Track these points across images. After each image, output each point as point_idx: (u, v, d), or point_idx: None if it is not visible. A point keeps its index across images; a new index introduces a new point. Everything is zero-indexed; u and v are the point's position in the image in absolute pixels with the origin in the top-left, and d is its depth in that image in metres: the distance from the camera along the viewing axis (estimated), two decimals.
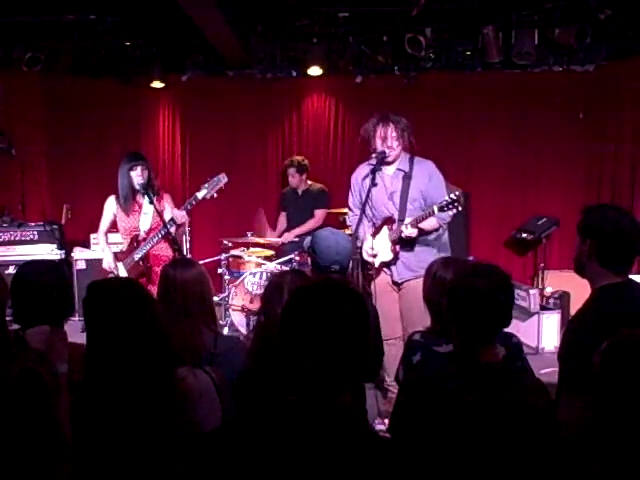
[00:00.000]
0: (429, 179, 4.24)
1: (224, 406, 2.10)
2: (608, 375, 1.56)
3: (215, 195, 4.75)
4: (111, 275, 5.03)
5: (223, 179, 4.73)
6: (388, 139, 4.15)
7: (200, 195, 4.72)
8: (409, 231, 4.04)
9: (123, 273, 5.02)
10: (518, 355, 2.70)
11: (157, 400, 2.00)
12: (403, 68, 7.17)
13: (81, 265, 6.60)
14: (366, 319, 1.51)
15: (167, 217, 4.79)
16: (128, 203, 4.87)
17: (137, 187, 4.76)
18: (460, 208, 3.93)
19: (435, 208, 3.94)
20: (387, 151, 4.17)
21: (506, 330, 2.22)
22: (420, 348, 2.74)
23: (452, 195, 3.92)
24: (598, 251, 2.30)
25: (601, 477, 1.55)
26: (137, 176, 4.78)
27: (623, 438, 1.53)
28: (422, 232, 4.14)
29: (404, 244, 4.23)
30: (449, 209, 3.93)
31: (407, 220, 4.07)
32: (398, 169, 4.25)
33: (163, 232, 4.72)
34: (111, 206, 5.00)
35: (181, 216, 4.73)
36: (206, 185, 4.74)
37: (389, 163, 4.25)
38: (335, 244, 3.28)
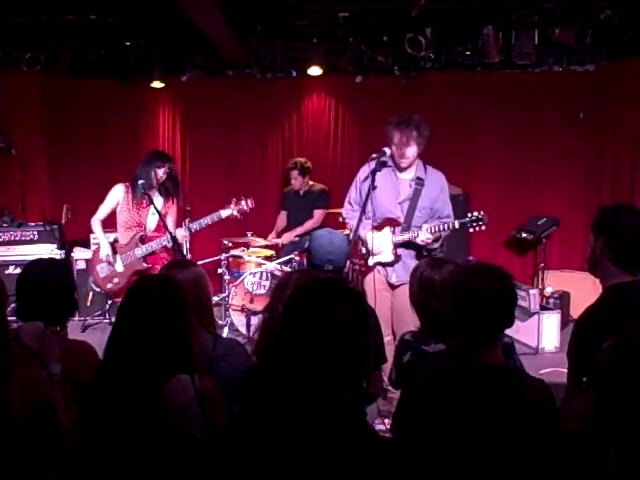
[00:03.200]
0: (440, 191, 4.28)
1: (206, 415, 2.01)
2: (614, 372, 1.55)
3: (238, 217, 4.92)
4: (107, 265, 5.07)
5: (250, 205, 4.89)
6: (403, 147, 4.16)
7: (224, 214, 4.89)
8: (426, 236, 4.06)
9: (120, 267, 5.05)
10: (509, 355, 2.72)
11: (147, 405, 1.99)
12: (403, 68, 7.17)
13: (81, 265, 6.59)
14: (365, 319, 1.51)
15: (168, 223, 4.89)
16: (141, 196, 4.91)
17: (154, 184, 4.88)
18: (484, 227, 3.95)
19: (456, 223, 3.98)
20: (387, 152, 4.18)
21: None
22: (410, 348, 2.79)
23: (476, 213, 3.96)
24: (611, 249, 2.29)
25: (610, 474, 1.55)
26: (164, 173, 4.90)
27: (630, 435, 1.53)
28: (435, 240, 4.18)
29: (406, 247, 4.24)
30: (471, 226, 3.95)
31: (425, 226, 4.08)
32: (416, 177, 4.26)
33: (166, 242, 4.82)
34: (117, 194, 5.05)
35: (182, 236, 4.89)
36: (232, 205, 4.88)
37: (400, 170, 4.26)
38: (329, 244, 3.24)
